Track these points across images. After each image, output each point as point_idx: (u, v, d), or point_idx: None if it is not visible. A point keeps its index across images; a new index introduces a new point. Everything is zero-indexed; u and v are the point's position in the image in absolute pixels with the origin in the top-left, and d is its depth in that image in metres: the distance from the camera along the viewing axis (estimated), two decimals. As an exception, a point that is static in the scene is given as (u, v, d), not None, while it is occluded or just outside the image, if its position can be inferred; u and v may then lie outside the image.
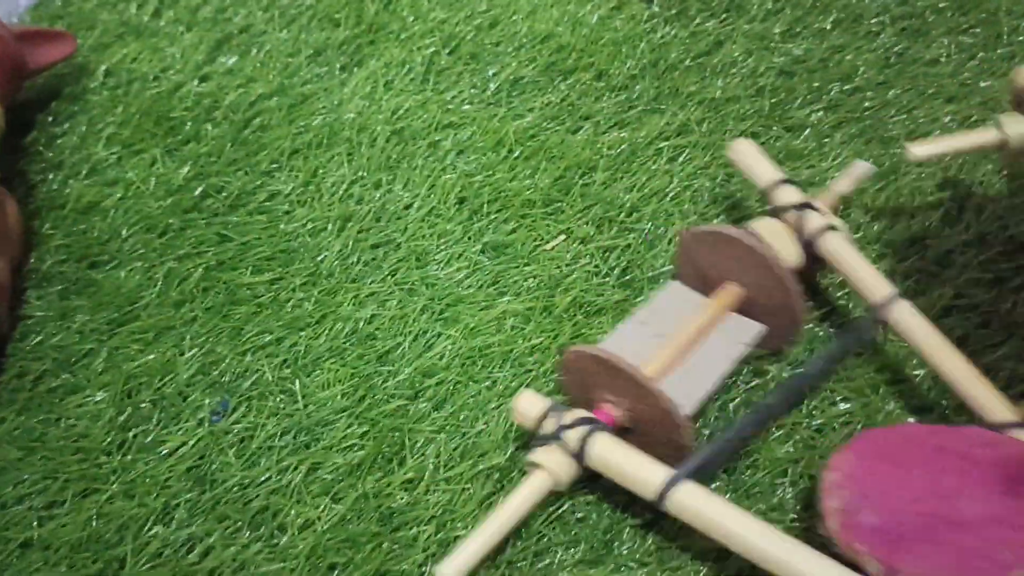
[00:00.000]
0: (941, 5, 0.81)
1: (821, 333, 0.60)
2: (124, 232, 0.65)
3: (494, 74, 0.78)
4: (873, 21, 0.81)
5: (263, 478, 0.53)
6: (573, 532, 0.51)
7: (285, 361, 0.59)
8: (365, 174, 0.71)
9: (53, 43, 0.70)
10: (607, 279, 0.64)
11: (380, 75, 0.78)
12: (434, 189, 0.69)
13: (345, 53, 0.80)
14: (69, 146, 0.71)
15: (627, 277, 0.64)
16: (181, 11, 0.82)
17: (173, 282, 0.62)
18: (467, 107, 0.76)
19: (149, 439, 0.55)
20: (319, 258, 0.64)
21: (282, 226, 0.67)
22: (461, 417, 0.56)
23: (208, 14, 0.83)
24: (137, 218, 0.66)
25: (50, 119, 0.73)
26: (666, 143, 0.72)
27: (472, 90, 0.77)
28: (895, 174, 0.69)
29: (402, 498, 0.52)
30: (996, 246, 0.63)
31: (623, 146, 0.72)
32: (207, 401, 0.56)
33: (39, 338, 0.60)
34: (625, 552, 0.50)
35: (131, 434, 0.55)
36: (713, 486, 0.52)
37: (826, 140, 0.72)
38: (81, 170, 0.69)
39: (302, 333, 0.60)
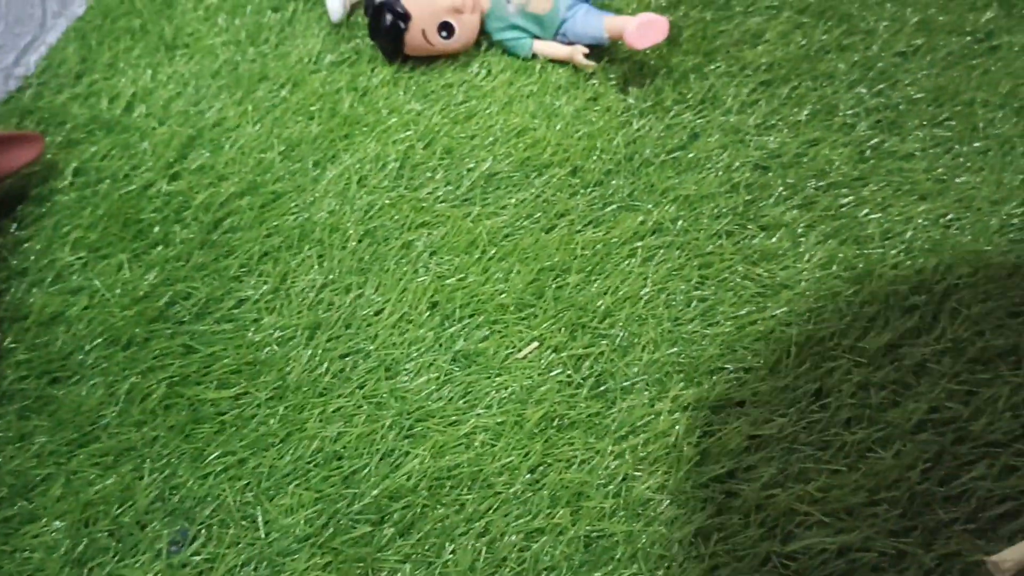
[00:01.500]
0: (916, 96, 0.81)
1: None
2: (87, 345, 0.64)
3: (469, 170, 0.78)
4: (848, 113, 0.81)
5: (221, 616, 0.51)
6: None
7: (248, 484, 0.57)
8: (336, 277, 0.70)
9: (20, 146, 0.70)
10: (579, 390, 0.63)
11: (354, 171, 0.78)
12: (406, 293, 0.69)
13: (319, 148, 0.80)
14: (34, 252, 0.70)
15: (601, 388, 0.63)
16: (154, 105, 0.82)
17: (136, 399, 0.61)
18: (441, 205, 0.75)
19: (106, 573, 0.53)
20: (286, 370, 0.63)
21: (249, 335, 0.65)
22: (427, 545, 0.55)
23: (181, 107, 0.82)
24: (101, 329, 0.65)
25: (15, 224, 0.72)
26: (640, 243, 0.72)
27: (447, 187, 0.77)
28: (869, 277, 0.68)
29: (365, 638, 0.51)
30: (971, 354, 0.62)
31: (598, 246, 0.72)
32: (166, 531, 0.54)
33: (-4, 460, 0.59)
34: None
35: (87, 569, 0.53)
36: None
37: (801, 240, 0.71)
38: (46, 277, 0.68)
39: (266, 453, 0.59)
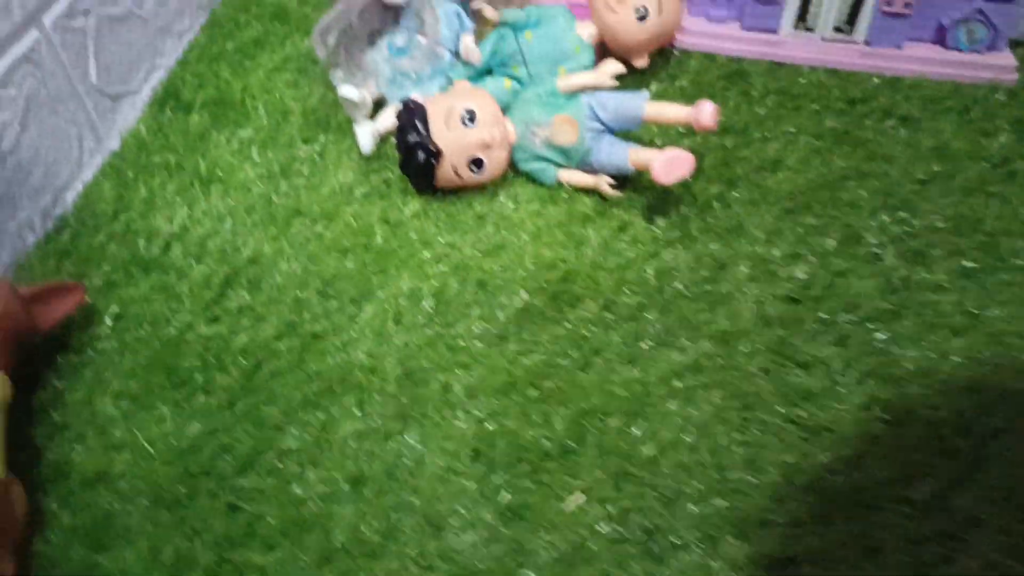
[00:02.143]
0: (939, 225, 0.83)
1: None
2: (131, 506, 0.63)
3: (503, 305, 0.79)
4: (873, 242, 0.82)
5: None
6: None
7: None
8: (376, 424, 0.70)
9: (61, 298, 0.70)
10: (629, 547, 0.62)
11: (390, 308, 0.78)
12: (448, 441, 0.69)
13: (355, 284, 0.80)
14: (75, 404, 0.70)
15: (650, 544, 0.62)
16: (191, 243, 0.83)
17: (182, 566, 0.60)
18: (477, 343, 0.76)
19: None
20: (332, 530, 0.63)
21: (293, 490, 0.65)
22: None
23: (218, 244, 0.83)
24: (145, 487, 0.65)
25: (56, 375, 0.72)
26: (679, 383, 0.72)
27: (482, 323, 0.77)
28: (910, 419, 0.68)
29: None
30: (1021, 502, 0.62)
31: (636, 386, 0.72)
32: None
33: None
34: None
35: None
36: None
37: (839, 378, 0.72)
38: (87, 432, 0.68)
39: (314, 626, 0.58)
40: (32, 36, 0.78)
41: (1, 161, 0.76)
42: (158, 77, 0.99)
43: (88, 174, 0.88)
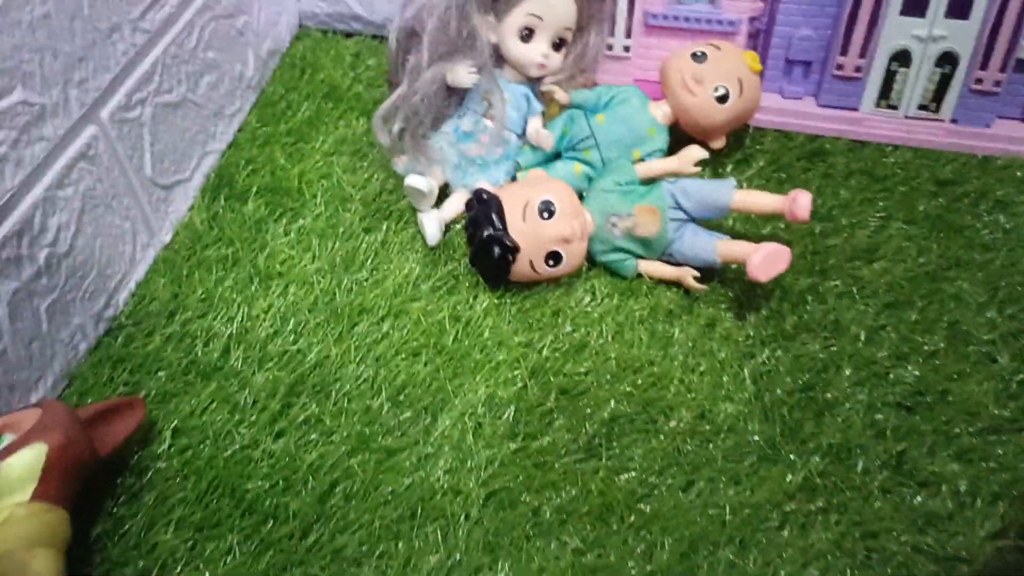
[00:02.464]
0: (1052, 320, 0.77)
1: None
2: (201, 663, 0.57)
3: (588, 414, 0.73)
4: (984, 340, 0.77)
5: None
6: None
7: None
8: (463, 556, 0.64)
9: (123, 416, 0.65)
10: None
11: (468, 419, 0.73)
12: None
13: (428, 391, 0.75)
14: (135, 535, 0.64)
15: None
16: (252, 346, 0.78)
17: None
18: (564, 459, 0.70)
19: None
20: None
21: (378, 637, 0.59)
22: None
23: (280, 347, 0.78)
24: (215, 635, 0.58)
25: (114, 502, 0.66)
26: (791, 506, 0.66)
27: (567, 435, 0.72)
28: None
29: None
30: None
31: (745, 511, 0.66)
32: None
33: None
34: None
35: None
36: None
37: (966, 500, 0.66)
38: (150, 568, 0.62)
39: None
40: (89, 131, 0.74)
41: (56, 266, 0.71)
42: (210, 163, 0.95)
43: (141, 271, 0.84)
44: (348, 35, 1.17)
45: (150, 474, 0.68)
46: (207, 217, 0.90)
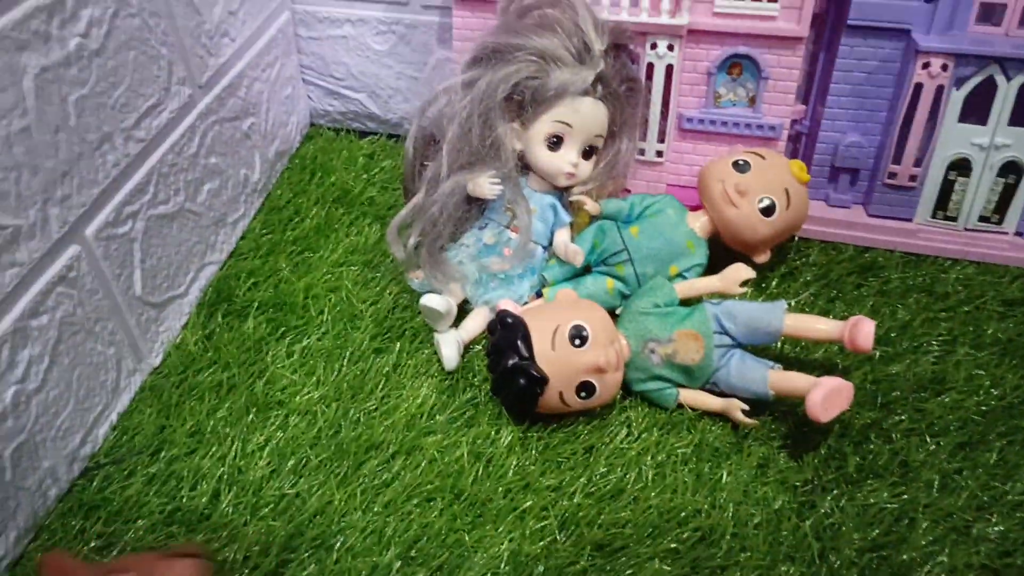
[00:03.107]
0: None
1: None
2: None
3: (629, 575, 0.63)
4: (1078, 487, 0.67)
5: None
6: None
7: None
8: None
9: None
10: None
11: (491, 583, 0.63)
12: None
13: (444, 545, 0.66)
14: None
15: None
16: (245, 490, 0.69)
17: None
18: (605, 635, 0.60)
19: None
20: None
21: None
22: None
23: (276, 490, 0.69)
24: None
25: None
26: None
27: (606, 603, 0.62)
28: None
29: None
30: None
31: None
32: None
33: None
34: None
35: None
36: None
37: None
38: None
39: None
40: (71, 252, 0.67)
41: (24, 404, 0.63)
42: (208, 275, 0.87)
43: (125, 401, 0.75)
44: (362, 134, 1.12)
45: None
46: (202, 336, 0.82)
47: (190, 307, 0.85)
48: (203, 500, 0.68)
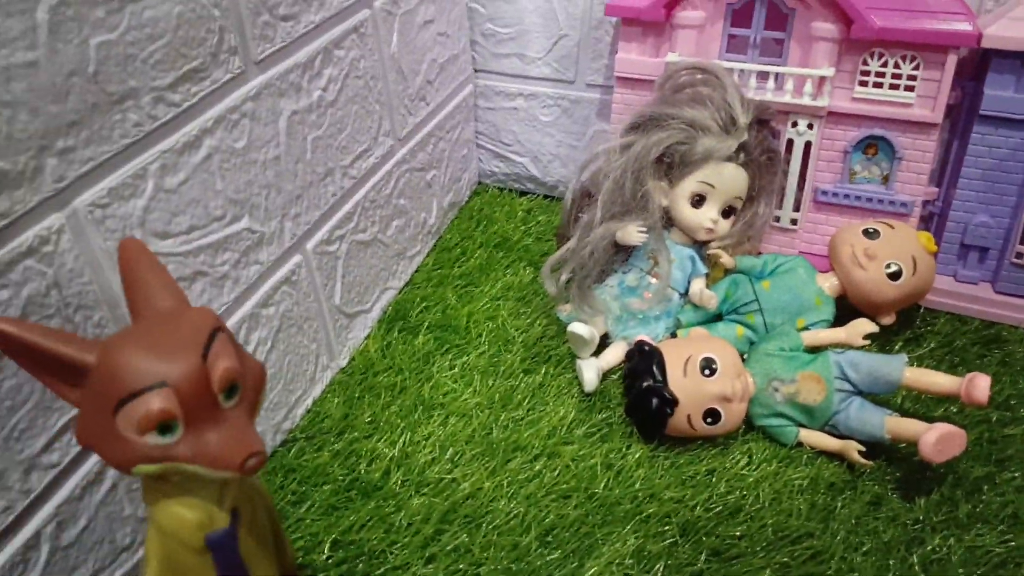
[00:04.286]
0: None
1: None
2: None
3: (743, 580, 0.70)
4: None
5: None
6: None
7: None
8: None
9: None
10: None
11: (615, 567, 0.72)
12: None
13: (576, 535, 0.75)
14: (288, 641, 0.66)
15: None
16: (411, 471, 0.81)
17: None
18: (716, 627, 0.67)
19: None
20: None
21: None
22: None
23: (436, 474, 0.80)
24: None
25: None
26: None
27: (719, 600, 0.69)
28: None
29: None
30: None
31: None
32: None
33: None
34: None
35: None
36: None
37: None
38: (297, 677, 0.63)
39: None
40: (295, 259, 0.82)
41: (251, 375, 0.78)
42: (388, 298, 1.02)
43: (318, 390, 0.90)
44: (522, 193, 1.26)
45: (308, 583, 0.70)
46: (381, 346, 0.96)
47: (373, 321, 0.99)
48: (376, 475, 0.80)
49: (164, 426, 0.44)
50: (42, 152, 0.54)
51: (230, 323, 0.75)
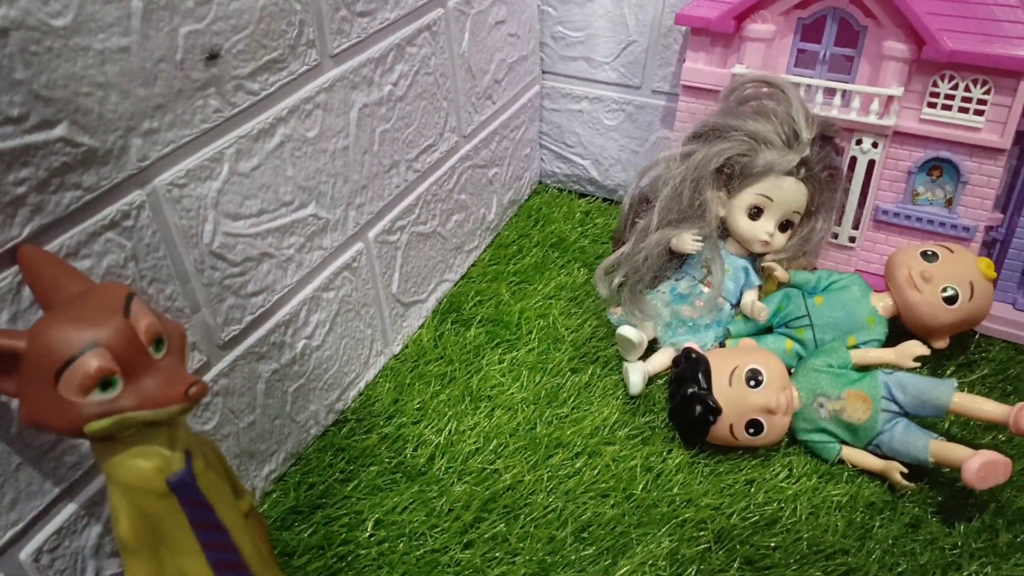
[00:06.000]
0: None
1: None
2: None
3: (773, 591, 0.71)
4: None
5: None
6: None
7: None
8: None
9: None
10: None
11: (648, 568, 0.73)
12: None
13: (612, 534, 0.76)
14: (328, 611, 0.69)
15: None
16: (455, 459, 0.83)
17: None
18: (744, 633, 0.68)
19: None
20: None
21: None
22: None
23: (479, 464, 0.83)
24: None
25: (316, 573, 0.72)
26: None
27: (748, 608, 0.70)
28: None
29: None
30: None
31: None
32: None
33: None
34: None
35: None
36: None
37: None
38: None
39: None
40: (357, 247, 0.85)
41: (308, 356, 0.81)
42: (444, 290, 1.05)
43: (371, 374, 0.93)
44: (581, 195, 1.28)
45: (350, 558, 0.73)
46: (434, 336, 0.99)
47: (427, 312, 1.02)
48: (421, 460, 0.83)
49: (105, 382, 0.47)
50: (129, 132, 0.57)
51: (291, 304, 0.78)
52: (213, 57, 0.62)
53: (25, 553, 0.56)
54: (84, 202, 0.55)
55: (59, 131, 0.52)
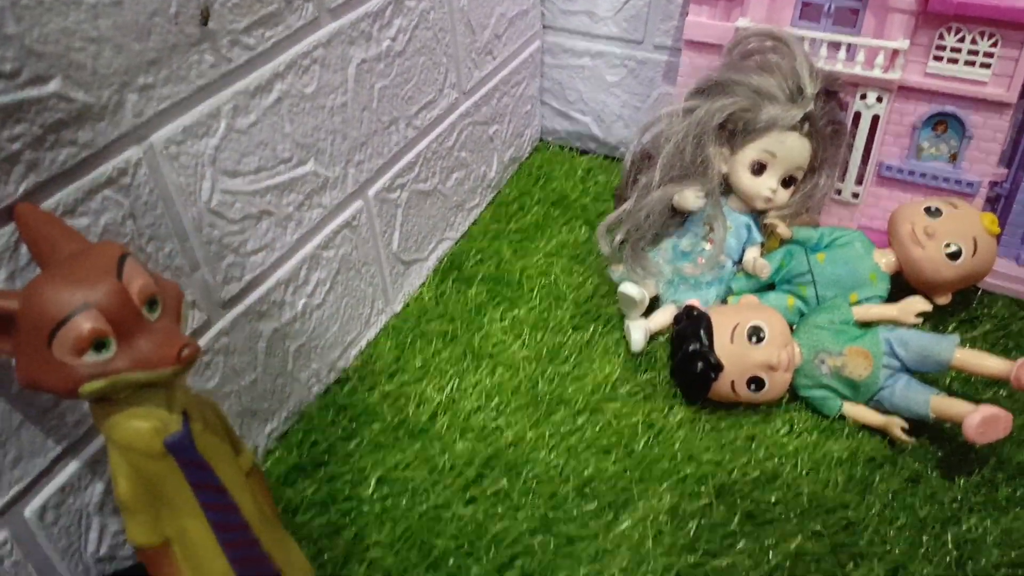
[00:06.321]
0: None
1: None
2: None
3: (773, 544, 0.72)
4: None
5: None
6: None
7: None
8: (629, 657, 0.64)
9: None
10: None
11: (649, 523, 0.73)
12: None
13: (613, 489, 0.77)
14: (330, 564, 0.70)
15: None
16: (457, 416, 0.83)
17: None
18: (745, 586, 0.69)
19: None
20: None
21: None
22: None
23: (481, 422, 0.83)
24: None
25: (319, 530, 0.72)
26: None
27: (747, 560, 0.71)
28: None
29: None
30: None
31: None
32: None
33: None
34: None
35: None
36: None
37: None
38: (341, 599, 0.67)
39: None
40: (356, 205, 0.85)
41: (309, 315, 0.81)
42: (444, 248, 1.04)
43: (372, 333, 0.93)
44: (583, 152, 1.27)
45: (353, 514, 0.74)
46: (435, 295, 0.98)
47: (428, 270, 1.02)
48: (423, 418, 0.83)
49: (99, 343, 0.46)
50: (124, 88, 0.56)
51: (291, 263, 0.78)
52: (205, 21, 0.61)
53: (30, 510, 0.57)
54: (80, 159, 0.54)
55: (53, 86, 0.51)
